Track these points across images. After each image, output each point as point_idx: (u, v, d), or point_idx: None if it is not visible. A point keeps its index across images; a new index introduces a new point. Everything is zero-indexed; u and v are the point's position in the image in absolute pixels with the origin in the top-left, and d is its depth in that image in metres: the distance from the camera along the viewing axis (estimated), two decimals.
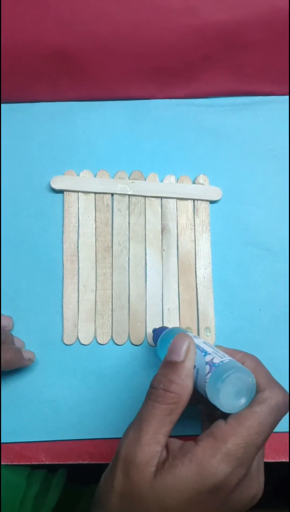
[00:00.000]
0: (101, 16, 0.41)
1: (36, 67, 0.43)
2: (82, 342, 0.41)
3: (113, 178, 0.44)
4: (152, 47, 0.42)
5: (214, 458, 0.26)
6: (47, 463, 0.39)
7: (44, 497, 0.43)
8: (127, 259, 0.42)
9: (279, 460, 0.40)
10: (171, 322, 0.41)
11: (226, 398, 0.28)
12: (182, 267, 0.42)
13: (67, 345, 0.41)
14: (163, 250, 0.43)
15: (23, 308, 0.42)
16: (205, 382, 0.29)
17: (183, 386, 0.29)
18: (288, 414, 0.39)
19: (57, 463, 0.39)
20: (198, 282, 0.42)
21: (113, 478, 0.28)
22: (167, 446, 0.28)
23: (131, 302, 0.42)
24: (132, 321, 0.41)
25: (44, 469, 0.44)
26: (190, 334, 0.33)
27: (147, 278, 0.42)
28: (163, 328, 0.38)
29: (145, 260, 0.42)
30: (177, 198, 0.43)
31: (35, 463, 0.39)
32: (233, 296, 0.42)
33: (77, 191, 0.43)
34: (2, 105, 0.45)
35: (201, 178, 0.44)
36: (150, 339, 0.41)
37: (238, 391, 0.28)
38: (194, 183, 0.44)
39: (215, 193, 0.43)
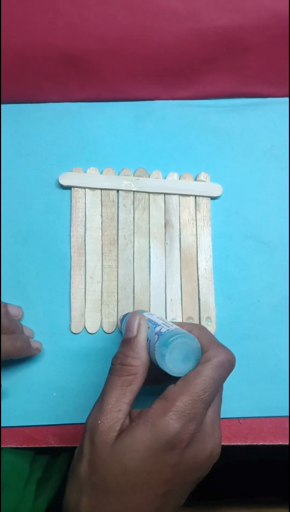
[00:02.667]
0: (109, 20, 0.42)
1: (47, 69, 0.44)
2: (89, 331, 0.43)
3: (118, 175, 0.45)
4: (157, 50, 0.43)
5: (165, 417, 0.28)
6: (56, 445, 0.41)
7: (47, 482, 0.44)
8: (132, 252, 0.44)
9: (279, 443, 0.41)
10: (174, 312, 0.43)
11: (173, 362, 0.31)
12: (184, 260, 0.44)
13: (74, 333, 0.43)
14: (166, 243, 0.44)
15: (33, 298, 0.43)
16: (155, 350, 0.31)
17: (138, 358, 0.32)
18: (288, 399, 0.41)
19: (65, 445, 0.41)
20: (199, 274, 0.44)
21: (82, 446, 0.30)
22: (130, 416, 0.31)
23: (135, 293, 0.43)
24: (137, 309, 0.43)
25: (50, 451, 0.46)
26: (144, 312, 0.36)
27: (151, 270, 0.44)
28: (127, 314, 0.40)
29: (149, 253, 0.44)
30: (180, 194, 0.45)
31: (44, 445, 0.41)
32: (233, 287, 0.44)
33: (84, 187, 0.45)
34: (13, 105, 0.47)
35: (203, 175, 0.46)
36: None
37: (185, 356, 0.31)
38: (195, 180, 0.46)
39: (216, 189, 0.45)
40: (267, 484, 0.67)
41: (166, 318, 0.43)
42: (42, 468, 0.44)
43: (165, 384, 0.31)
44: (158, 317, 0.35)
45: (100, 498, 0.29)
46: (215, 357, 0.31)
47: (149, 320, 0.34)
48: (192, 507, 0.63)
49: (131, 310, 0.43)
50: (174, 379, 0.31)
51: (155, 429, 0.28)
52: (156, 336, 0.32)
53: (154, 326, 0.33)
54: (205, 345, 0.32)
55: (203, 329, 0.34)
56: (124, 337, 0.34)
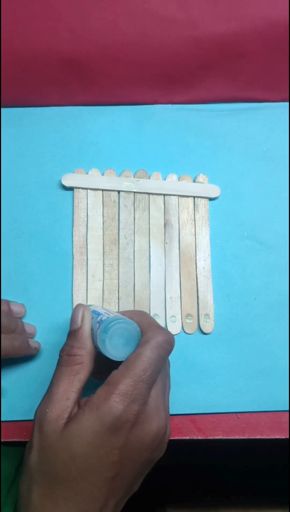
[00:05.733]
0: (109, 27, 0.43)
1: (49, 74, 0.45)
2: None
3: (119, 176, 0.47)
4: (156, 56, 0.44)
5: (108, 400, 0.29)
6: None
7: None
8: (132, 251, 0.45)
9: (276, 437, 0.43)
10: (173, 310, 0.44)
11: (114, 347, 0.32)
12: (183, 259, 0.45)
13: None
14: (166, 243, 0.46)
15: (35, 296, 0.44)
16: (96, 338, 0.33)
17: (83, 347, 0.33)
18: (288, 393, 0.42)
19: None
20: (198, 272, 0.45)
21: (32, 437, 0.31)
22: (79, 404, 0.31)
23: (136, 291, 0.45)
24: (137, 308, 0.44)
25: None
26: (90, 306, 0.37)
27: (151, 269, 0.45)
28: None
29: (149, 252, 0.45)
30: (179, 195, 0.46)
31: None
32: (230, 285, 0.45)
33: (86, 188, 0.46)
34: (17, 108, 0.48)
35: (201, 177, 0.47)
36: None
37: (125, 340, 0.32)
38: (194, 181, 0.47)
39: (214, 190, 0.46)
40: (266, 485, 0.68)
41: (165, 315, 0.44)
42: None
43: None
44: (102, 308, 0.36)
45: (50, 486, 0.29)
46: (153, 338, 0.32)
47: (93, 311, 0.36)
48: (190, 508, 0.63)
49: (131, 308, 0.44)
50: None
51: (100, 413, 0.29)
52: (98, 324, 0.33)
53: (97, 316, 0.35)
54: (144, 329, 0.33)
55: (144, 314, 0.36)
56: (70, 329, 0.35)
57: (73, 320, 0.35)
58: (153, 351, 0.31)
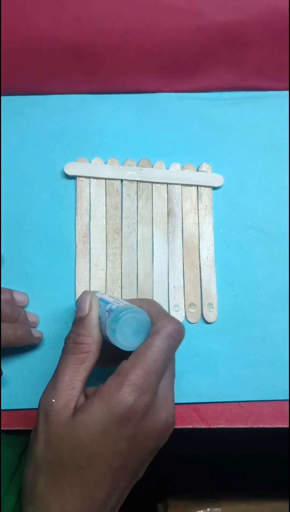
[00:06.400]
0: (113, 16, 0.43)
1: (52, 62, 0.45)
2: None
3: (122, 165, 0.46)
4: (159, 44, 0.44)
5: (118, 391, 0.29)
6: None
7: None
8: (135, 240, 0.45)
9: (278, 426, 0.42)
10: (176, 299, 0.44)
11: (124, 337, 0.32)
12: (187, 248, 0.45)
13: None
14: (169, 232, 0.45)
15: (38, 285, 0.44)
16: (106, 327, 0.32)
17: (90, 335, 0.33)
18: (288, 382, 0.42)
19: None
20: (201, 261, 0.45)
21: (37, 427, 0.31)
22: (86, 394, 0.31)
23: (139, 280, 0.44)
24: (140, 297, 0.44)
25: None
26: (96, 292, 0.36)
27: (154, 258, 0.45)
28: None
29: (152, 241, 0.45)
30: (182, 184, 0.46)
31: None
32: (234, 275, 0.45)
33: (89, 177, 0.46)
34: (19, 96, 0.48)
35: (204, 166, 0.47)
36: None
37: (135, 330, 0.32)
38: (197, 170, 0.47)
39: (217, 180, 0.46)
40: (267, 477, 0.68)
41: (168, 304, 0.44)
42: None
43: None
44: (109, 296, 0.36)
45: (56, 473, 0.29)
46: (163, 329, 0.31)
47: (101, 299, 0.35)
48: (191, 499, 0.64)
49: (135, 297, 0.44)
50: (128, 356, 0.31)
51: (110, 404, 0.29)
52: (107, 313, 0.33)
53: (105, 304, 0.34)
54: (154, 318, 0.33)
55: (153, 303, 0.35)
56: (75, 316, 0.34)
57: (80, 307, 0.34)
58: (164, 342, 0.31)
